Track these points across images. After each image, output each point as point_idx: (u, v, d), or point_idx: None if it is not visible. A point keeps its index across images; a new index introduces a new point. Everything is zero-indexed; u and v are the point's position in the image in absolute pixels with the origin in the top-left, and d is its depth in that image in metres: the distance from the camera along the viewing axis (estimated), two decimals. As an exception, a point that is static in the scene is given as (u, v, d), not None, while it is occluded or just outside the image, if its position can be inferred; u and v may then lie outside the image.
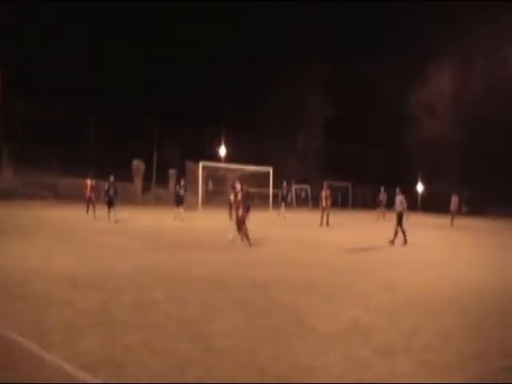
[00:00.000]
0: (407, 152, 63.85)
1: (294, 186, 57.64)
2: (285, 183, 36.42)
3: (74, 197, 39.39)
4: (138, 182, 49.79)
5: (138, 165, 49.62)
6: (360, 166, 65.77)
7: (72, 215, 29.22)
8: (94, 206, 27.94)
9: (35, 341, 6.72)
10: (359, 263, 15.04)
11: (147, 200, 48.80)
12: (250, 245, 17.68)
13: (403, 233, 20.36)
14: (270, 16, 65.76)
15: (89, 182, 29.69)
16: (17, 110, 48.19)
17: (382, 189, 37.66)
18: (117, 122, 49.86)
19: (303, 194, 60.16)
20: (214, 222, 28.94)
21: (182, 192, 29.84)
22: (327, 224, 28.15)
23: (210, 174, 48.63)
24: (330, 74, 63.73)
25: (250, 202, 18.48)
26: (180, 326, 7.75)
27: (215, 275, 11.91)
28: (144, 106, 58.22)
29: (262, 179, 46.34)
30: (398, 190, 21.02)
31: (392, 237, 20.43)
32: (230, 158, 51.49)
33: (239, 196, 17.95)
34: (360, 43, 67.16)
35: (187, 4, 64.75)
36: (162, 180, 51.59)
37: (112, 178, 25.26)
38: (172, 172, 50.97)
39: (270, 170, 45.56)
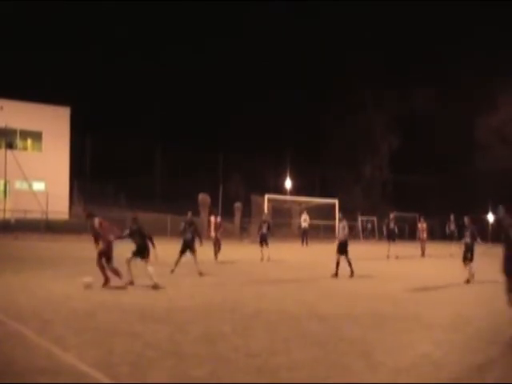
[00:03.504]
0: (476, 181, 62.32)
1: (360, 218, 57.04)
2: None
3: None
4: (204, 216, 50.26)
5: (203, 198, 50.11)
6: (426, 196, 64.54)
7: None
8: (219, 247, 23.30)
9: (105, 372, 6.84)
10: (429, 296, 14.72)
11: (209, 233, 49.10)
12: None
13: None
14: (334, 45, 66.08)
15: (213, 219, 25.24)
16: (85, 146, 49.80)
17: (452, 217, 33.54)
18: (182, 156, 50.84)
19: (369, 226, 59.39)
20: (282, 254, 28.90)
21: (264, 230, 25.52)
22: (423, 255, 28.32)
23: (275, 207, 48.70)
24: (394, 103, 63.27)
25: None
26: (247, 358, 7.76)
27: (281, 308, 11.90)
28: (209, 139, 59.25)
29: (327, 211, 46.11)
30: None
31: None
32: (294, 191, 51.55)
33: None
34: (423, 71, 66.51)
35: (255, 46, 65.88)
36: (228, 213, 51.98)
37: (190, 215, 19.59)
38: (238, 205, 51.25)
39: (336, 202, 45.29)
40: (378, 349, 8.50)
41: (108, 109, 59.25)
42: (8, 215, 40.81)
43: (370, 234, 58.20)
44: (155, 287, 14.06)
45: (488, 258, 20.58)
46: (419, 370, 7.48)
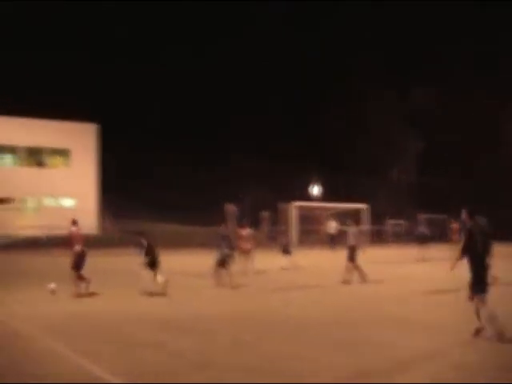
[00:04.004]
0: (505, 181, 61.35)
1: (388, 222, 56.64)
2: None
3: (169, 243, 40.30)
4: (232, 226, 50.34)
5: (230, 208, 50.24)
6: (454, 198, 63.73)
7: (168, 261, 29.81)
8: (251, 258, 22.14)
9: (133, 383, 6.97)
10: (458, 299, 14.61)
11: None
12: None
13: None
14: (355, 47, 65.86)
15: (242, 230, 23.34)
16: (113, 161, 50.32)
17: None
18: (208, 166, 51.09)
19: (398, 230, 58.92)
20: (311, 261, 28.87)
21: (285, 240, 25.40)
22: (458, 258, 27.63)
23: (302, 214, 48.62)
24: (419, 105, 62.82)
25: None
26: (273, 364, 7.82)
27: (308, 314, 11.94)
28: (235, 148, 59.38)
29: (355, 216, 45.84)
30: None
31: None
32: (322, 197, 51.42)
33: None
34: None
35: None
36: (255, 222, 52.00)
37: (223, 227, 19.38)
38: (265, 214, 51.25)
39: (364, 206, 45.05)
40: (407, 354, 8.51)
41: (134, 124, 59.91)
42: (38, 232, 41.43)
43: (399, 238, 57.74)
44: (162, 295, 14.55)
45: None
46: (450, 375, 7.47)
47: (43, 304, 13.64)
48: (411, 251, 31.14)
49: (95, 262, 28.72)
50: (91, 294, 14.84)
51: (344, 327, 10.55)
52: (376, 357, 8.25)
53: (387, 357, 8.24)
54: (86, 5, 66.86)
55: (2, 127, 45.31)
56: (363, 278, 18.08)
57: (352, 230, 18.84)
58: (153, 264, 15.00)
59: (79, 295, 14.59)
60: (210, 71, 67.35)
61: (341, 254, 32.76)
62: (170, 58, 68.06)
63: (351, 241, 18.46)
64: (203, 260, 20.49)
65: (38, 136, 45.43)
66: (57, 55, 63.30)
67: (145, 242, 15.16)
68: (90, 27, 69.34)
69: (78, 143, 48.37)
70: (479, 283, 9.27)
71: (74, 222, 15.78)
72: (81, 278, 14.94)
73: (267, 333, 10.07)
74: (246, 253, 21.96)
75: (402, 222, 58.74)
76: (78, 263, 14.93)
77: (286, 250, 24.51)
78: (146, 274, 15.06)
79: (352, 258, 18.15)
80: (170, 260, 30.02)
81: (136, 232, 15.86)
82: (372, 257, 32.29)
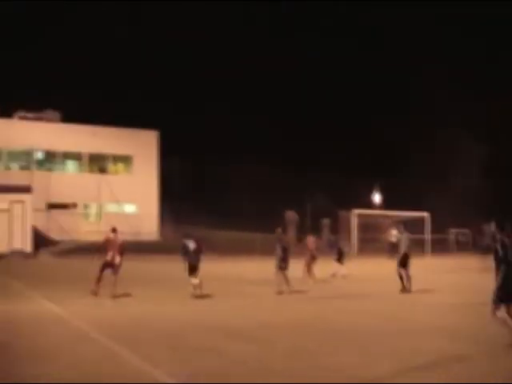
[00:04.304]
0: None
1: (452, 231, 55.33)
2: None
3: (230, 249, 40.36)
4: (292, 233, 50.16)
5: (291, 215, 50.08)
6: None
7: (229, 267, 29.87)
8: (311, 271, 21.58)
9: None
10: None
11: (301, 250, 48.90)
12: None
13: None
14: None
15: (311, 238, 23.45)
16: (174, 167, 50.81)
17: None
18: (270, 173, 51.03)
19: (463, 239, 57.43)
20: (371, 270, 28.42)
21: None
22: None
23: (363, 222, 47.97)
24: (484, 109, 61.33)
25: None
26: (335, 373, 7.62)
27: (367, 322, 11.65)
28: (297, 156, 59.29)
29: (417, 225, 45.00)
30: None
31: None
32: (384, 205, 50.63)
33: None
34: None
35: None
36: (316, 230, 51.59)
37: (279, 231, 18.62)
38: (325, 221, 50.85)
39: (425, 215, 44.14)
40: (471, 365, 8.14)
41: (195, 130, 60.52)
42: (101, 237, 42.12)
43: (463, 247, 56.26)
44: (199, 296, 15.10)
45: None
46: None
47: (104, 307, 13.75)
48: (472, 261, 30.29)
49: (160, 267, 29.08)
50: (147, 299, 14.88)
51: (405, 336, 10.19)
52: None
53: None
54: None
55: (66, 134, 46.40)
56: (405, 288, 17.40)
57: (404, 237, 18.26)
58: (193, 268, 15.07)
59: (114, 296, 15.23)
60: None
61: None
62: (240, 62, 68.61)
63: (403, 248, 17.80)
64: (263, 267, 20.39)
65: (101, 143, 46.29)
66: (121, 62, 64.72)
67: (191, 245, 15.20)
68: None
69: (140, 150, 49.06)
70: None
71: (114, 230, 15.96)
72: (99, 280, 15.57)
73: (327, 341, 9.90)
74: (311, 260, 21.87)
75: (466, 231, 57.21)
76: (102, 269, 15.68)
77: (339, 259, 24.16)
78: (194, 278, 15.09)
79: (404, 264, 17.54)
80: (230, 266, 30.15)
81: (184, 234, 15.96)
82: (429, 265, 31.60)
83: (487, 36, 68.65)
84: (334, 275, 23.33)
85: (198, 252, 15.28)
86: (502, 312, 8.91)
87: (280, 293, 16.72)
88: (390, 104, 65.90)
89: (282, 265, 17.16)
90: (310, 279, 20.80)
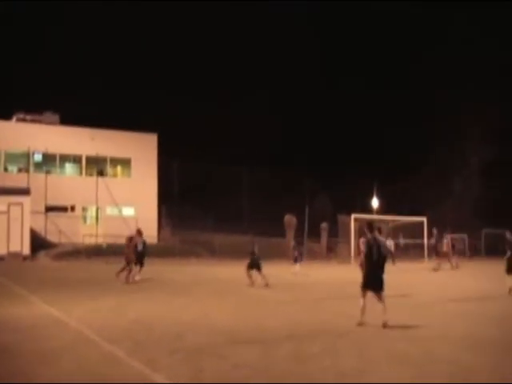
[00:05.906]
0: None
1: (449, 236, 55.17)
2: (435, 231, 35.23)
3: (229, 253, 40.32)
4: (290, 237, 50.11)
5: (289, 219, 50.01)
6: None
7: (228, 271, 29.82)
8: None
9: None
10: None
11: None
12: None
13: None
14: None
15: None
16: (173, 170, 50.76)
17: None
18: (268, 177, 51.03)
19: (460, 244, 57.20)
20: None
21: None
22: None
23: (362, 227, 47.81)
24: (485, 116, 61.32)
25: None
26: (336, 377, 7.60)
27: (370, 328, 11.60)
28: (296, 160, 59.32)
29: (415, 229, 44.98)
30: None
31: None
32: (383, 209, 50.57)
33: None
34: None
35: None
36: (314, 234, 51.57)
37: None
38: (324, 225, 50.82)
39: (424, 219, 44.08)
40: (473, 372, 8.10)
41: (193, 133, 60.53)
42: (100, 240, 42.12)
43: (460, 252, 56.05)
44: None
45: None
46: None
47: (103, 310, 13.73)
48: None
49: (159, 270, 29.01)
50: (147, 302, 14.85)
51: (407, 341, 10.17)
52: (439, 374, 7.91)
53: (450, 374, 7.87)
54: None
55: (65, 136, 46.38)
56: None
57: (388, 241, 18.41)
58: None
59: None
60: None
61: (400, 268, 32.25)
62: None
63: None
64: (264, 270, 20.38)
65: (100, 145, 46.22)
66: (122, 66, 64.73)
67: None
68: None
69: (139, 152, 48.99)
70: None
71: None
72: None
73: (329, 345, 9.85)
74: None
75: (463, 235, 57.11)
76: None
77: (296, 259, 26.78)
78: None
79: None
80: (229, 269, 30.06)
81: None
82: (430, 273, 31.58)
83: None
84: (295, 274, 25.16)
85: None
86: None
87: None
88: (390, 108, 66.02)
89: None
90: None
